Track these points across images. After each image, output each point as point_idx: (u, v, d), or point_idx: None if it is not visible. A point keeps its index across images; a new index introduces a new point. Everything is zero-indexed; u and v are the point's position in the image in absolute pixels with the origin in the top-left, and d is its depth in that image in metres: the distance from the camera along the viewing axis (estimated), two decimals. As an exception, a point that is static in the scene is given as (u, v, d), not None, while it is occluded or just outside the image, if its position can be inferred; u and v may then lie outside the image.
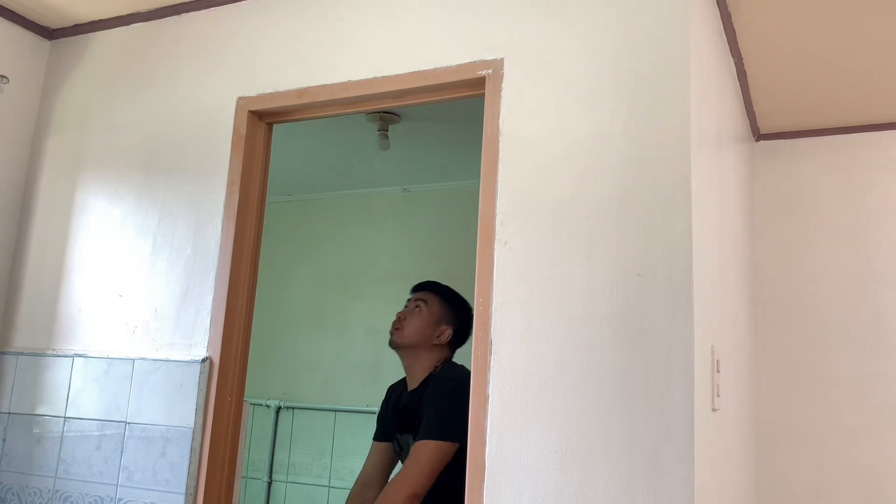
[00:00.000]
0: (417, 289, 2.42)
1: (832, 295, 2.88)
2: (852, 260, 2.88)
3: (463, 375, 2.09)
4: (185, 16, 2.34)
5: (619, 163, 1.67)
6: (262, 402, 3.91)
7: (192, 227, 2.16)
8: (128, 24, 2.44)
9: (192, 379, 2.04)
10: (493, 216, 1.77)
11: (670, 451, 1.50)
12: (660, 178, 1.63)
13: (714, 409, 1.75)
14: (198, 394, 2.02)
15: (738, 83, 2.57)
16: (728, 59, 2.36)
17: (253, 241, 2.15)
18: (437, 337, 2.29)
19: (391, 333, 2.34)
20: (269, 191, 2.25)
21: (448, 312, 2.34)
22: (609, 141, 1.70)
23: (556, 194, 1.72)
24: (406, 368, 2.36)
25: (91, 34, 2.50)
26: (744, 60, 2.45)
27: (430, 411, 2.12)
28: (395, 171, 3.40)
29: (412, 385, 2.31)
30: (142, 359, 2.12)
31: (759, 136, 3.06)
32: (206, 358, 2.04)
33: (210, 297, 2.08)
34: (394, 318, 2.36)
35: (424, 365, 2.28)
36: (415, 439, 2.15)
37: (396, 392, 2.44)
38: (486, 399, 1.68)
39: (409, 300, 2.40)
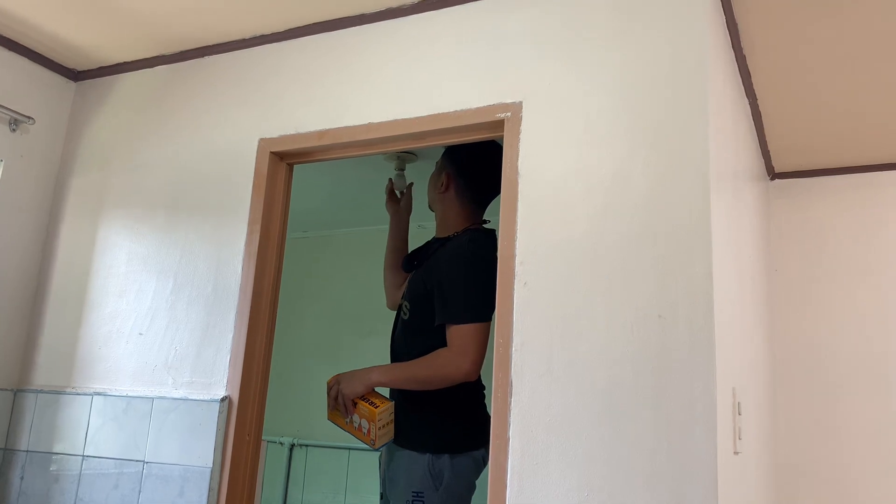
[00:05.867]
0: None
1: (849, 334, 2.87)
2: (869, 299, 2.87)
3: (478, 251, 2.12)
4: (207, 58, 2.39)
5: (638, 204, 1.69)
6: (276, 439, 3.89)
7: (212, 266, 2.19)
8: (152, 66, 2.49)
9: (211, 418, 2.04)
10: (512, 256, 1.79)
11: (693, 495, 1.49)
12: (679, 218, 1.64)
13: (736, 452, 1.74)
14: (216, 433, 2.02)
15: (752, 123, 2.59)
16: (743, 99, 2.39)
17: (273, 280, 2.17)
18: (440, 186, 2.31)
19: None
20: (286, 228, 2.27)
21: (443, 162, 2.36)
22: (628, 182, 1.71)
23: (576, 235, 1.73)
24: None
25: (116, 76, 2.56)
26: (758, 100, 2.47)
27: (458, 290, 2.08)
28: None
29: (438, 234, 2.34)
30: (161, 397, 2.13)
31: (773, 174, 3.08)
32: (226, 397, 2.04)
33: (230, 336, 2.09)
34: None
35: (448, 222, 2.30)
36: (414, 301, 2.20)
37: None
38: (506, 442, 1.68)
39: None
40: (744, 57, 2.21)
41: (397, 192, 2.70)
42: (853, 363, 2.83)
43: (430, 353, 2.06)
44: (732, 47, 2.13)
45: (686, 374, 1.55)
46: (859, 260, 2.91)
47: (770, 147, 2.84)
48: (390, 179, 2.72)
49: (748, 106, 2.48)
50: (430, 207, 2.43)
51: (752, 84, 2.37)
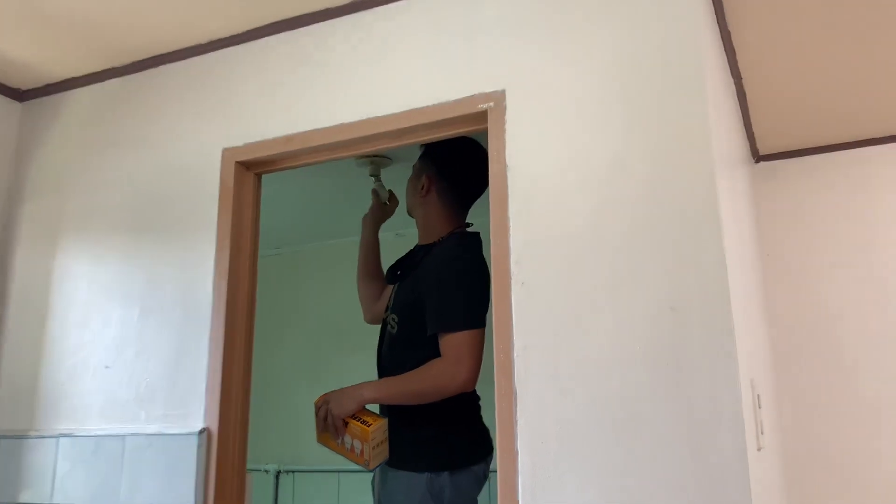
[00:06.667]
0: None
1: (847, 316, 2.78)
2: (864, 278, 2.79)
3: (467, 253, 2.04)
4: (162, 68, 2.24)
5: (640, 191, 1.57)
6: (261, 467, 3.72)
7: (181, 288, 2.03)
8: (103, 80, 2.33)
9: (190, 452, 1.88)
10: (506, 256, 1.66)
11: (725, 501, 1.36)
12: (685, 204, 1.52)
13: (759, 449, 1.63)
14: (197, 468, 1.86)
15: (738, 104, 2.50)
16: (728, 79, 2.29)
17: (247, 298, 2.02)
18: (421, 190, 2.18)
19: None
20: (258, 245, 2.12)
21: (422, 164, 2.23)
22: (626, 169, 1.59)
23: (574, 228, 1.61)
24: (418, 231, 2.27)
25: (65, 93, 2.39)
26: (743, 80, 2.38)
27: (449, 297, 1.95)
28: (387, 216, 3.29)
29: (421, 241, 2.22)
30: (133, 434, 1.96)
31: (758, 157, 2.99)
32: (204, 429, 1.88)
33: (204, 363, 1.93)
34: None
35: (432, 227, 2.17)
36: (399, 310, 2.09)
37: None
38: (514, 455, 1.54)
39: None
40: (728, 33, 2.11)
41: (384, 202, 2.59)
42: (854, 345, 2.74)
43: (422, 365, 1.93)
44: (717, 24, 2.04)
45: (706, 368, 1.43)
46: (851, 238, 2.83)
47: (755, 129, 2.75)
48: (374, 191, 2.60)
49: (733, 86, 2.38)
50: (409, 213, 2.30)
51: (736, 62, 2.27)
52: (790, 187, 2.95)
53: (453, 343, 1.89)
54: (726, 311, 1.44)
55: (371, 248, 2.52)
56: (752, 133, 2.78)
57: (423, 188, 2.17)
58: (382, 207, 2.58)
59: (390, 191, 2.60)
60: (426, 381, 1.92)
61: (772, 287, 2.88)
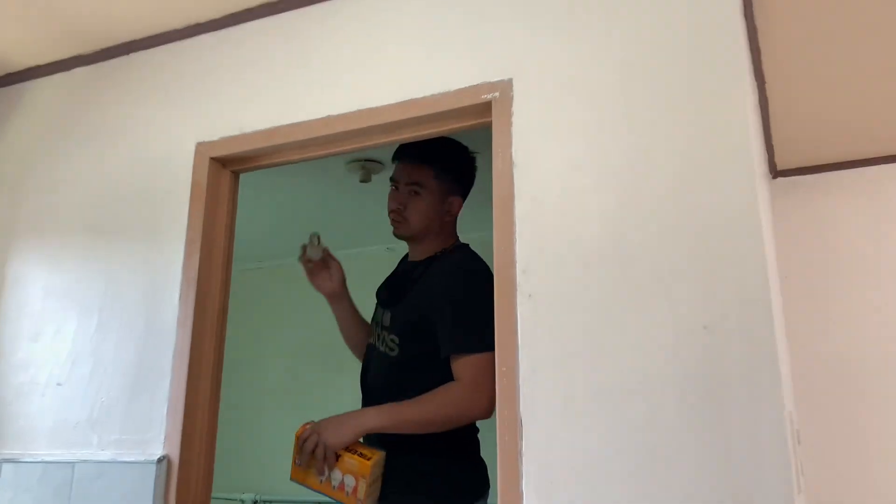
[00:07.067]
0: (401, 158, 1.98)
1: (872, 344, 2.57)
2: (890, 304, 2.59)
3: (479, 265, 1.85)
4: (134, 55, 2.05)
5: (666, 193, 1.37)
6: (235, 496, 3.46)
7: (145, 297, 1.81)
8: (69, 69, 2.13)
9: (147, 483, 1.66)
10: (511, 264, 1.45)
11: (769, 555, 1.15)
12: (720, 208, 1.32)
13: (800, 492, 1.41)
14: (154, 501, 1.64)
15: (759, 111, 2.32)
16: (752, 81, 2.11)
17: (218, 311, 1.81)
18: (448, 212, 1.96)
19: (394, 226, 1.98)
20: (237, 257, 1.91)
21: (450, 181, 1.96)
22: (650, 168, 1.39)
23: (590, 234, 1.40)
24: (411, 248, 2.03)
25: (26, 83, 2.20)
26: (766, 85, 2.20)
27: (467, 315, 1.73)
28: (377, 229, 3.09)
29: (415, 257, 2.00)
30: (83, 461, 1.74)
31: (776, 172, 2.81)
32: (164, 457, 1.66)
33: (167, 382, 1.72)
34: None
35: (434, 243, 1.97)
36: (395, 326, 1.86)
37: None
38: (519, 497, 1.32)
39: (395, 182, 1.97)
40: (756, 31, 1.93)
41: (309, 264, 2.08)
42: (880, 376, 2.53)
43: (436, 390, 1.71)
44: (745, 20, 1.85)
45: (745, 397, 1.22)
46: (875, 261, 2.63)
47: (774, 140, 2.56)
48: (303, 246, 2.05)
49: (756, 91, 2.20)
50: (400, 236, 2.00)
51: (761, 64, 2.09)
52: (810, 206, 2.75)
53: (471, 366, 1.68)
54: (769, 331, 1.24)
55: (355, 319, 2.21)
56: (772, 145, 2.59)
57: (449, 211, 1.96)
58: (320, 270, 2.11)
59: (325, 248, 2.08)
60: (444, 409, 1.70)
61: (789, 312, 2.68)
